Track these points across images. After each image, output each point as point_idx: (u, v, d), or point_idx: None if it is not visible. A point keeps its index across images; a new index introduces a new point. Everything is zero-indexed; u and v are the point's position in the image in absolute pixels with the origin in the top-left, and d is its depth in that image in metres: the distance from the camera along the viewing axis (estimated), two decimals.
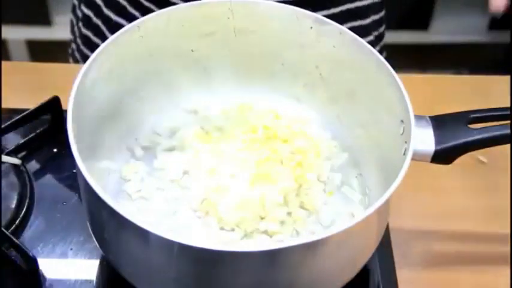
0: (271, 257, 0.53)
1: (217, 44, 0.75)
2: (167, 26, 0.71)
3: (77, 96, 0.62)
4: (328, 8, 0.92)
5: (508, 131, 0.62)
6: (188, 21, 0.73)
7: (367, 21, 0.97)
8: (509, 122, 0.63)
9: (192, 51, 0.76)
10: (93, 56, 0.65)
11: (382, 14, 1.00)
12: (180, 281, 0.58)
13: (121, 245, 0.59)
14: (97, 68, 0.65)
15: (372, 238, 0.63)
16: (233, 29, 0.75)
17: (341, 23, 0.71)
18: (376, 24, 0.99)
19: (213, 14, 0.73)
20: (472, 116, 0.63)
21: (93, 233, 0.64)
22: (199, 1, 0.72)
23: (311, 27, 0.72)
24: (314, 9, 0.73)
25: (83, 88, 0.63)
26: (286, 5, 0.72)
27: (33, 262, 0.64)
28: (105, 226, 0.59)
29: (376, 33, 1.01)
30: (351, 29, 0.70)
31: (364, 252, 0.63)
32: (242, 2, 0.73)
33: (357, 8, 0.95)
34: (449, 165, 0.64)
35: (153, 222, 0.68)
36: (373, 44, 0.99)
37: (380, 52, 1.01)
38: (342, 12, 0.93)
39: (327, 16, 0.71)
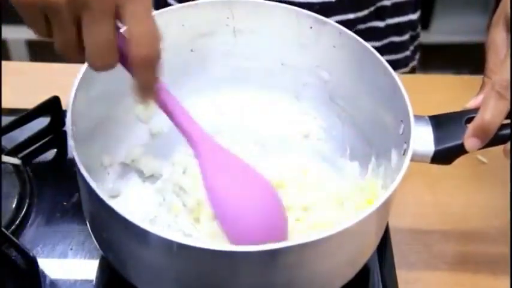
0: (271, 257, 0.53)
1: (217, 44, 0.75)
2: (167, 26, 0.71)
3: (77, 96, 0.62)
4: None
5: (508, 131, 0.62)
6: (188, 21, 0.73)
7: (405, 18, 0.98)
8: (509, 121, 0.63)
9: (191, 51, 0.75)
10: None
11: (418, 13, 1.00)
12: (179, 281, 0.58)
13: (121, 245, 0.59)
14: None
15: (372, 238, 0.63)
16: (233, 29, 0.75)
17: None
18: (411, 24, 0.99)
19: (212, 14, 0.73)
20: (472, 115, 0.63)
21: (93, 233, 0.64)
22: (199, 1, 0.72)
23: (311, 27, 0.72)
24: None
25: (82, 88, 0.63)
26: (286, 5, 0.72)
27: (33, 262, 0.64)
28: (105, 226, 0.59)
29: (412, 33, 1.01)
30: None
31: (363, 252, 0.63)
32: (242, 2, 0.73)
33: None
34: (449, 165, 0.64)
35: (153, 221, 0.68)
36: (407, 43, 0.99)
37: (414, 52, 1.01)
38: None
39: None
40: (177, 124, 0.58)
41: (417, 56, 1.05)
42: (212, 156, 0.58)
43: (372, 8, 0.92)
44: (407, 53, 1.00)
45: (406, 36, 0.98)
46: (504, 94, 0.60)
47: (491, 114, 0.61)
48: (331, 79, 0.75)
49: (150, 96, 0.54)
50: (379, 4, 0.93)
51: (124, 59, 0.52)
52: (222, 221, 0.58)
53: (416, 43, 1.03)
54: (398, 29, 0.96)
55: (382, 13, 0.93)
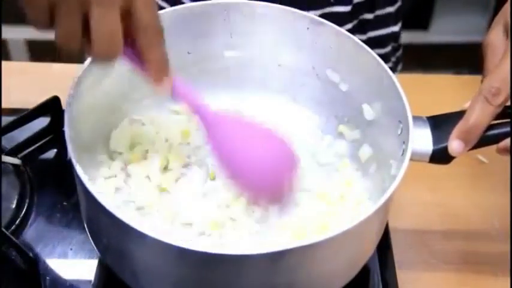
0: (271, 260, 0.53)
1: (213, 45, 0.75)
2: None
3: (75, 97, 0.62)
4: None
5: (507, 129, 0.62)
6: (184, 23, 0.72)
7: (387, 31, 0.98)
8: (508, 120, 0.63)
9: (188, 53, 0.75)
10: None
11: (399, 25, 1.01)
12: (180, 285, 0.58)
13: (120, 249, 0.59)
14: (95, 69, 0.65)
15: (371, 239, 0.63)
16: (229, 31, 0.74)
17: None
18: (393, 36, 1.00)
19: (209, 15, 0.73)
20: None
21: (91, 237, 0.64)
22: (195, 3, 0.72)
23: (307, 28, 0.72)
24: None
25: (81, 89, 0.63)
26: (283, 6, 0.72)
27: (33, 262, 0.64)
28: (104, 230, 0.59)
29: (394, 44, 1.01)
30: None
31: (363, 253, 0.63)
32: (238, 4, 0.72)
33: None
34: (449, 165, 0.64)
35: (152, 224, 0.68)
36: (389, 55, 0.99)
37: (396, 63, 1.02)
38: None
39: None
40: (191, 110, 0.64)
41: (399, 67, 1.06)
42: (222, 134, 0.65)
43: (355, 22, 0.92)
44: (390, 64, 1.01)
45: (388, 48, 0.99)
46: (490, 100, 0.61)
47: (475, 119, 0.62)
48: (328, 80, 0.75)
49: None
50: (361, 17, 0.93)
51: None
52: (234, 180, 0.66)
53: (398, 54, 1.04)
54: (380, 41, 0.97)
55: (365, 26, 0.94)
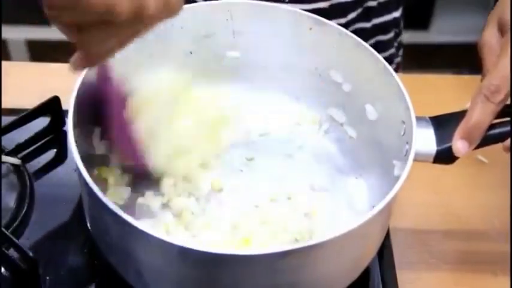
0: (274, 260, 0.53)
1: (216, 45, 0.75)
2: (165, 29, 0.71)
3: (78, 97, 0.62)
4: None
5: (508, 129, 0.62)
6: (187, 24, 0.72)
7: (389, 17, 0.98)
8: (509, 119, 0.63)
9: (190, 53, 0.75)
10: None
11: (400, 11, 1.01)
12: (182, 284, 0.58)
13: (123, 248, 0.59)
14: None
15: (374, 240, 0.63)
16: (232, 31, 0.74)
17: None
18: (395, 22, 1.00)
19: (211, 15, 0.73)
20: None
21: (95, 236, 0.64)
22: (198, 3, 0.72)
23: (310, 28, 0.72)
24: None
25: (83, 89, 0.63)
26: (285, 6, 0.72)
27: (33, 262, 0.64)
28: (107, 229, 0.59)
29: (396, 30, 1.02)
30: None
31: (366, 254, 0.63)
32: (241, 4, 0.73)
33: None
34: (449, 165, 0.64)
35: (155, 224, 0.68)
36: (391, 41, 0.99)
37: (398, 48, 1.02)
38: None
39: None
40: None
41: (400, 52, 1.06)
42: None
43: (360, 10, 0.93)
44: (393, 50, 1.01)
45: (391, 34, 0.99)
46: (490, 98, 0.61)
47: (477, 117, 0.62)
48: (331, 80, 0.75)
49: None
50: (365, 5, 0.93)
51: None
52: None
53: (399, 39, 1.04)
54: (383, 28, 0.97)
55: (369, 14, 0.94)
